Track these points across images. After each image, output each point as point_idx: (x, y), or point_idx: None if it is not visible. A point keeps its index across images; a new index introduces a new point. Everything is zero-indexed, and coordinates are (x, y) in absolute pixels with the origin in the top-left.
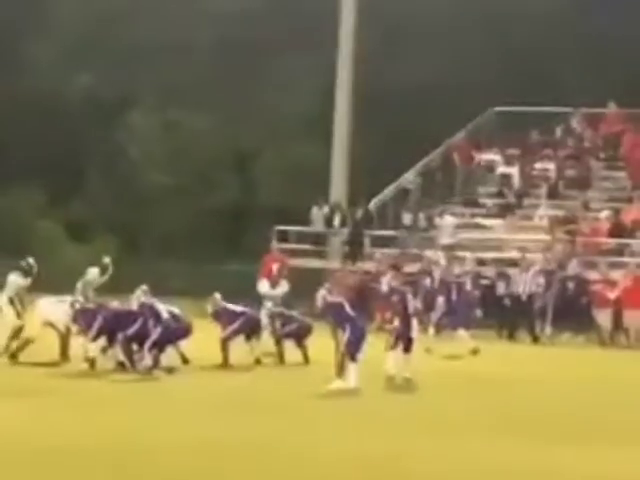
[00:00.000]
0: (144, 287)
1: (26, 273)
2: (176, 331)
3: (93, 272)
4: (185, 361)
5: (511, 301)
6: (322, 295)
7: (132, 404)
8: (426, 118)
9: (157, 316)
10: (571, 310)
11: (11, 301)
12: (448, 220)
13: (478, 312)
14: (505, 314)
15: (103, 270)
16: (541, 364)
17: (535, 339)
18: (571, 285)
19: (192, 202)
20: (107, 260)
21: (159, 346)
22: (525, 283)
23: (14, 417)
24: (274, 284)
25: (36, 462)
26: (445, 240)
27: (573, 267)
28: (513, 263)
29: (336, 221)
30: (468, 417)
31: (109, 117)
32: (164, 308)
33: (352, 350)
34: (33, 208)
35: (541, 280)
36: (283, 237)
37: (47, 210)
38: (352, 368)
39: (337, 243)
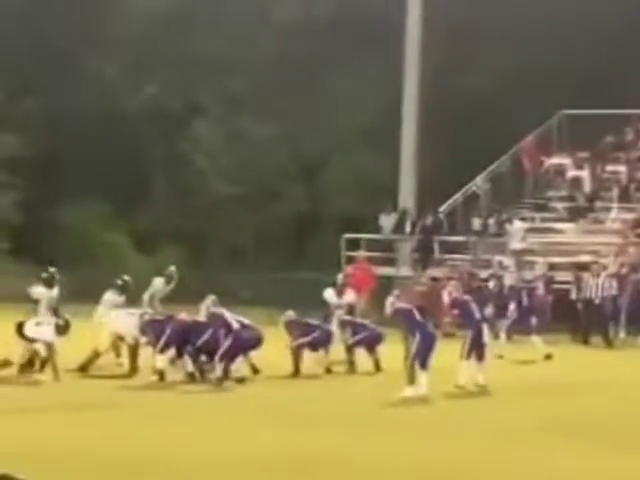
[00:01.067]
0: (212, 297)
1: (121, 290)
2: (247, 341)
3: (158, 282)
4: (256, 371)
5: (584, 305)
6: (391, 302)
7: (202, 416)
8: (494, 123)
9: (227, 326)
10: None
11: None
12: (517, 225)
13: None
14: (578, 319)
15: (168, 279)
16: (616, 369)
17: (609, 343)
18: None
19: (258, 212)
20: (172, 269)
21: (230, 356)
22: (597, 287)
23: (85, 430)
24: (341, 293)
25: (105, 475)
26: (515, 245)
27: None
28: (585, 267)
29: (407, 227)
30: (541, 425)
31: (174, 128)
32: (233, 318)
33: (422, 357)
34: (99, 220)
35: (614, 284)
36: (352, 245)
37: (112, 221)
38: (422, 375)
39: (407, 250)
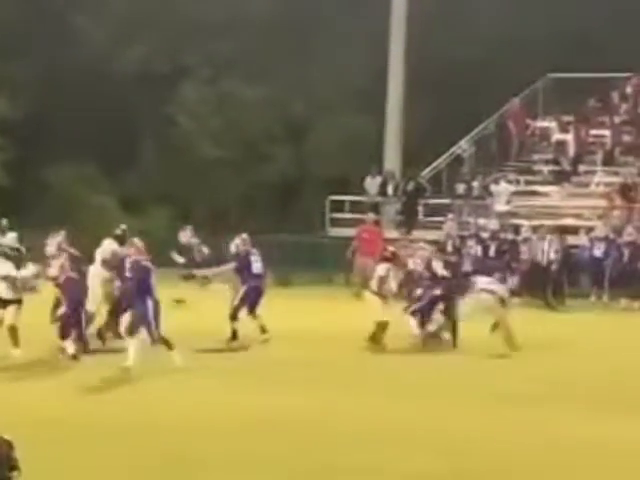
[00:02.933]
0: (244, 236)
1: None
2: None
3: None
4: (264, 331)
5: (532, 267)
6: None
7: (201, 379)
8: (480, 86)
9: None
10: (628, 276)
11: None
12: (503, 187)
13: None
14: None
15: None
16: (599, 332)
17: (549, 305)
18: (627, 251)
19: (245, 174)
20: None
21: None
22: (542, 250)
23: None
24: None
25: (99, 441)
26: (500, 208)
27: (629, 233)
28: (569, 230)
29: (390, 190)
30: (532, 387)
31: (161, 90)
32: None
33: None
34: (85, 181)
35: (601, 246)
36: (337, 207)
37: (100, 183)
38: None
39: (391, 212)
